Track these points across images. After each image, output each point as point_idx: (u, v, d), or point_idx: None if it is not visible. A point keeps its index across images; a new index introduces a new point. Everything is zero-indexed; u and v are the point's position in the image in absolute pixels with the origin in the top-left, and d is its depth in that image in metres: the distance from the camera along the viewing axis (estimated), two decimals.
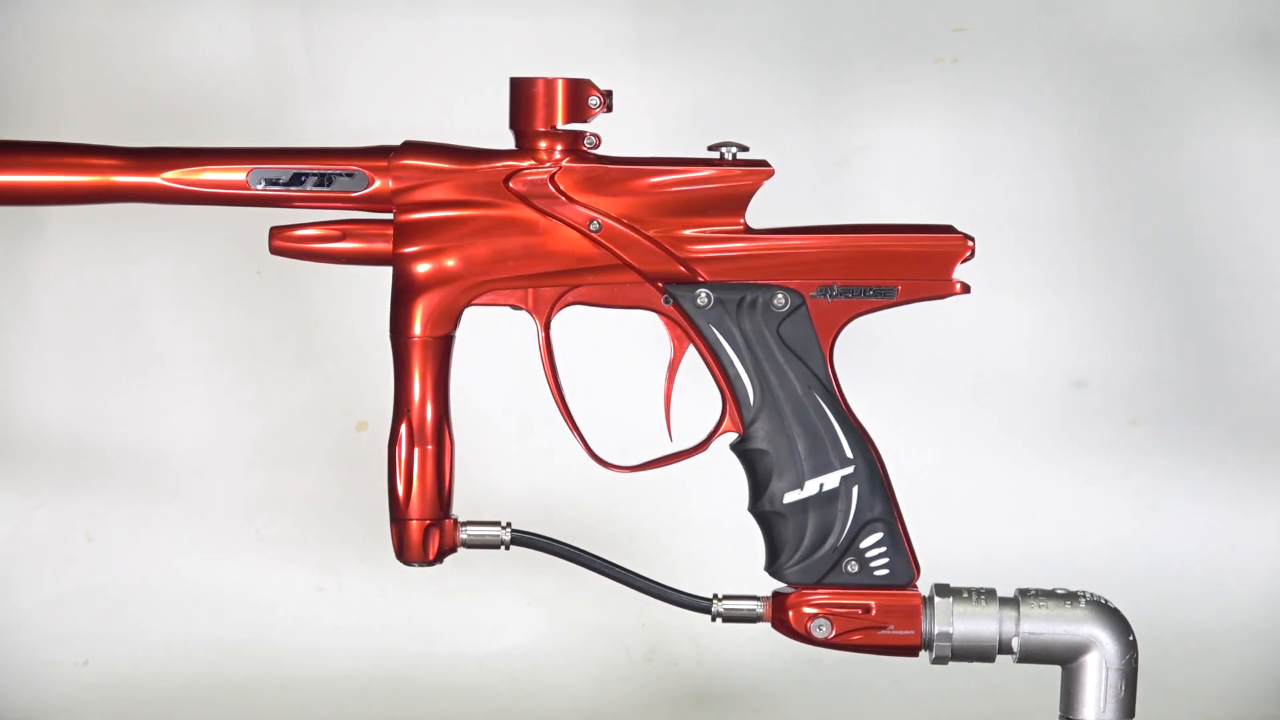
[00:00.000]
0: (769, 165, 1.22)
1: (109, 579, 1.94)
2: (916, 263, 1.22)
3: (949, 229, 1.23)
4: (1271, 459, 2.04)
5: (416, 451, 1.27)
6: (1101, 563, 2.00)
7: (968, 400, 2.05)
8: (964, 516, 2.02)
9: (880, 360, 2.04)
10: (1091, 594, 1.25)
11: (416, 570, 1.97)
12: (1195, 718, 1.78)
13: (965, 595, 1.25)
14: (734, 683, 1.87)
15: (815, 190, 2.03)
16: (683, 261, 1.23)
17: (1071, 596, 1.24)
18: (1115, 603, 1.25)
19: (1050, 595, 1.25)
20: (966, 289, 1.23)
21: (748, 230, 1.23)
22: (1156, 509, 2.03)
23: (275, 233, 1.26)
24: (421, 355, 1.26)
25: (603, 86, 1.24)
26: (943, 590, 1.25)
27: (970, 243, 1.22)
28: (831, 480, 1.24)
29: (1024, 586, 1.25)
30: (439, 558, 1.31)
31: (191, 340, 1.98)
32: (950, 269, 1.22)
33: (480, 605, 1.95)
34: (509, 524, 1.32)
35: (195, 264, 1.98)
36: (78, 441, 1.97)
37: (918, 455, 2.04)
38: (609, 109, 1.24)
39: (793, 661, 1.85)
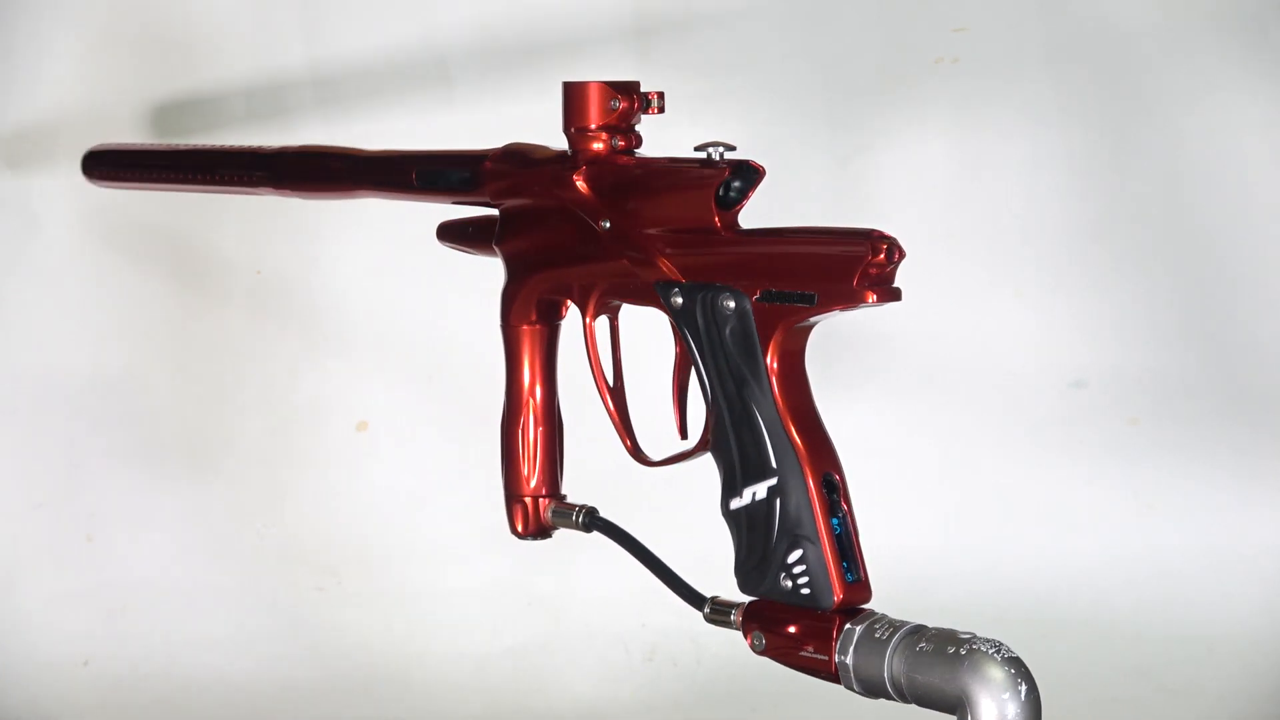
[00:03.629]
0: (726, 165, 1.21)
1: (109, 579, 1.94)
2: (821, 269, 1.16)
3: (862, 233, 1.15)
4: (1271, 459, 2.04)
5: (507, 431, 1.36)
6: (1101, 563, 2.00)
7: (968, 400, 2.05)
8: (963, 516, 2.02)
9: (880, 360, 2.04)
10: (987, 642, 1.12)
11: (417, 570, 1.98)
12: (1195, 718, 1.78)
13: (876, 625, 1.16)
14: (734, 683, 1.87)
15: (815, 190, 2.03)
16: (663, 261, 1.24)
17: (963, 641, 1.12)
18: (1017, 651, 1.12)
19: (944, 636, 1.12)
20: (890, 296, 1.14)
21: (720, 231, 1.22)
22: (1156, 509, 2.03)
23: (439, 226, 1.42)
24: (510, 342, 1.36)
25: (643, 88, 1.27)
26: (859, 618, 1.17)
27: (880, 249, 1.13)
28: (761, 490, 1.20)
29: (940, 626, 1.15)
30: (532, 534, 1.37)
31: (192, 340, 1.98)
32: (851, 276, 1.14)
33: (480, 605, 1.96)
34: (589, 509, 1.34)
35: (195, 264, 1.98)
36: (78, 441, 1.97)
37: (917, 455, 2.04)
38: (660, 110, 1.27)
39: None
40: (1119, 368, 2.05)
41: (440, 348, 2.02)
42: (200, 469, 1.99)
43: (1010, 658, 1.11)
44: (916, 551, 2.00)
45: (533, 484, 1.36)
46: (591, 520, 1.34)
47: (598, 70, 1.97)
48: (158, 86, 1.97)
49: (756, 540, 1.21)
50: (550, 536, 1.37)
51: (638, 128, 1.30)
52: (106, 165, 1.70)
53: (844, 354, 2.04)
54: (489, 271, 2.03)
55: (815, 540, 1.19)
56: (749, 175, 1.21)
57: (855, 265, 1.14)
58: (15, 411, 1.97)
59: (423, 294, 2.01)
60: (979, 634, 1.11)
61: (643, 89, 1.29)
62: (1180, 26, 2.02)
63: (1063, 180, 2.04)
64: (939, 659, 1.11)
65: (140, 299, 1.98)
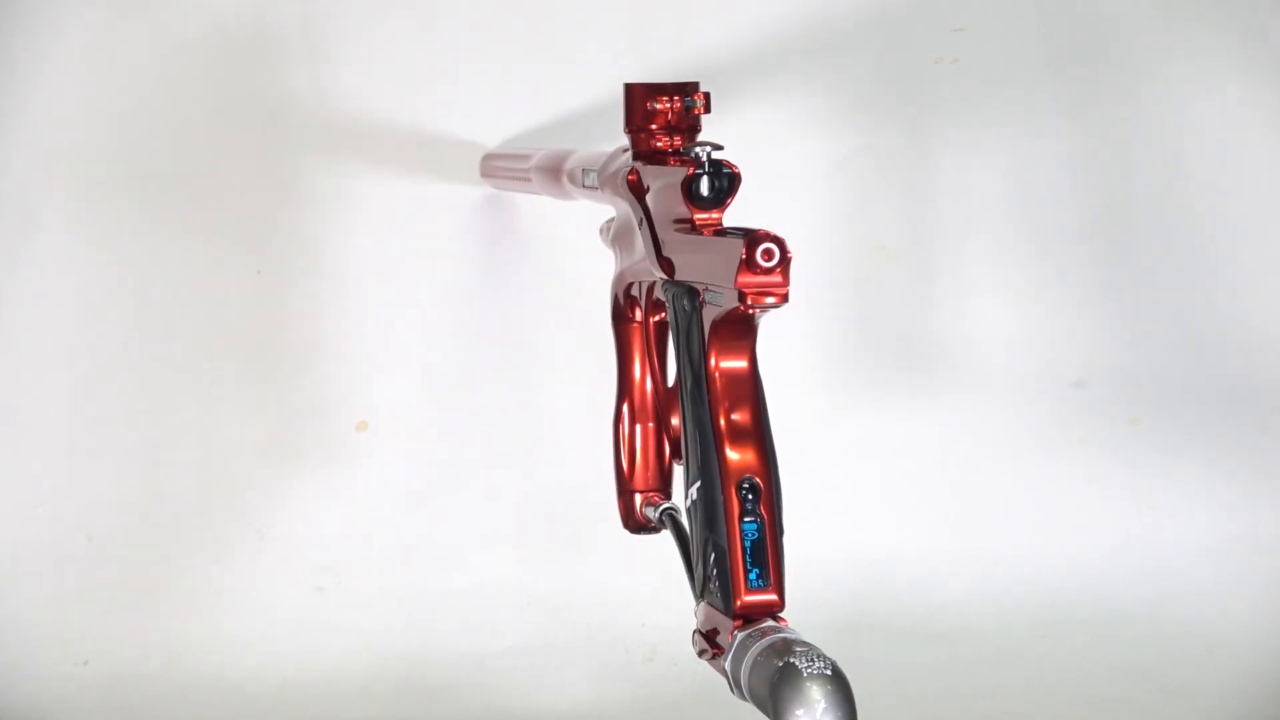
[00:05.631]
0: (694, 163, 1.21)
1: (109, 579, 1.94)
2: (721, 270, 1.15)
3: (745, 234, 1.13)
4: (1272, 459, 2.04)
5: (613, 426, 1.37)
6: (1101, 563, 2.00)
7: (968, 400, 2.05)
8: (963, 516, 2.02)
9: (880, 360, 2.04)
10: (812, 658, 1.09)
11: (417, 570, 1.98)
12: (1195, 718, 1.78)
13: (754, 632, 1.14)
14: None
15: (813, 190, 2.03)
16: (663, 259, 1.24)
17: (789, 653, 1.09)
18: (834, 670, 1.08)
19: (780, 648, 1.10)
20: (774, 298, 1.12)
21: (699, 230, 1.22)
22: (1157, 509, 2.03)
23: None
24: (615, 338, 1.37)
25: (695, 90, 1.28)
26: (749, 624, 1.15)
27: (757, 249, 1.11)
28: (694, 492, 1.20)
29: (801, 639, 1.11)
30: (634, 529, 1.38)
31: (191, 340, 1.98)
32: (731, 278, 1.12)
33: (480, 605, 1.95)
34: (671, 508, 1.35)
35: (195, 264, 1.98)
36: (78, 441, 1.97)
37: (918, 455, 2.04)
38: (706, 110, 1.28)
39: None
40: (1119, 368, 2.05)
41: (440, 348, 2.02)
42: (200, 469, 1.98)
43: (820, 674, 1.08)
44: (916, 552, 2.00)
45: (634, 480, 1.35)
46: (668, 519, 1.33)
47: (595, 70, 1.97)
48: (158, 87, 1.97)
49: (695, 543, 1.20)
50: (658, 532, 1.36)
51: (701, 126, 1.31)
52: (486, 165, 1.89)
53: (843, 354, 2.04)
54: (488, 272, 2.03)
55: (725, 544, 1.17)
56: (720, 174, 1.21)
57: (733, 267, 1.13)
58: (15, 411, 1.97)
59: (423, 293, 2.01)
60: (821, 648, 1.09)
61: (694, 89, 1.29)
62: (1180, 27, 2.02)
63: (1063, 180, 2.04)
64: (765, 669, 1.09)
65: (140, 299, 1.97)
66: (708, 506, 1.18)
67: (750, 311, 1.13)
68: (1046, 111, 2.03)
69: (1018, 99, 2.03)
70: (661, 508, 1.34)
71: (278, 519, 1.98)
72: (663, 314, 1.33)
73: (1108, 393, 2.04)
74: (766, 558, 1.16)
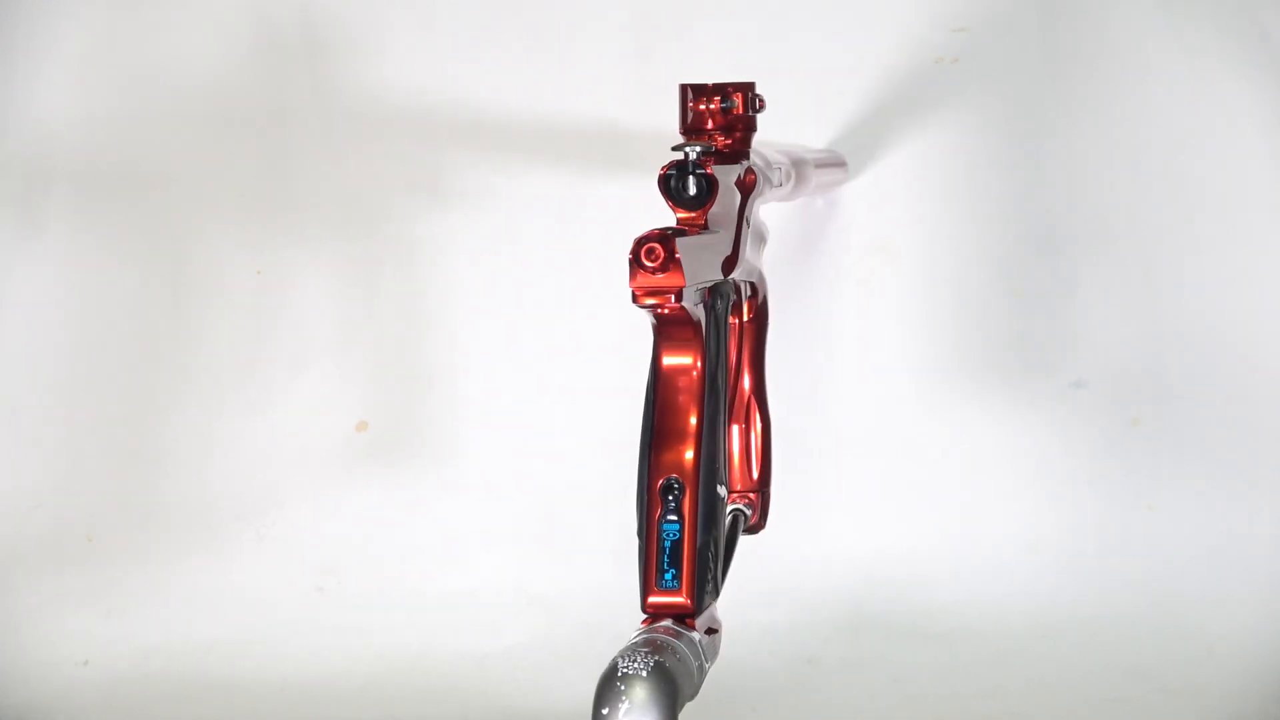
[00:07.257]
0: (673, 162, 1.21)
1: (109, 579, 1.94)
2: None
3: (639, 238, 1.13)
4: (1272, 459, 2.03)
5: None
6: (1101, 563, 2.00)
7: (967, 400, 2.04)
8: (964, 516, 2.02)
9: (879, 360, 2.04)
10: (637, 661, 1.09)
11: (417, 570, 1.98)
12: (1195, 718, 1.78)
13: (646, 630, 1.15)
14: (734, 683, 1.87)
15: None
16: None
17: (625, 653, 1.10)
18: (646, 676, 1.08)
19: (630, 647, 1.10)
20: (664, 299, 1.12)
21: (686, 229, 1.22)
22: (1156, 509, 2.02)
23: None
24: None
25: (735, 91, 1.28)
26: (652, 624, 1.16)
27: (641, 250, 1.11)
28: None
29: (667, 639, 1.12)
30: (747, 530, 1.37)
31: (192, 340, 1.98)
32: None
33: (480, 605, 1.95)
34: (739, 510, 1.35)
35: (195, 264, 1.98)
36: (78, 441, 1.97)
37: (917, 455, 2.04)
38: (744, 109, 1.28)
39: (793, 661, 1.85)
40: (1119, 368, 2.05)
41: (440, 348, 2.02)
42: (200, 469, 1.99)
43: (635, 675, 1.09)
44: (916, 552, 2.00)
45: (736, 480, 1.36)
46: (733, 520, 1.33)
47: (593, 70, 1.97)
48: (158, 86, 1.97)
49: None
50: (755, 534, 1.36)
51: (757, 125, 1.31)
52: None
53: (842, 354, 2.04)
54: (486, 272, 2.03)
55: (643, 544, 1.17)
56: (694, 174, 1.21)
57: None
58: (15, 412, 1.97)
59: (422, 293, 2.01)
60: (681, 652, 1.09)
61: (737, 91, 1.29)
62: (1179, 27, 2.02)
63: (1063, 180, 2.04)
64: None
65: (140, 299, 1.98)
66: (637, 504, 1.18)
67: (659, 312, 1.13)
68: (1046, 112, 2.03)
69: (1018, 99, 2.03)
70: (730, 508, 1.33)
71: (278, 519, 1.98)
72: (733, 316, 1.33)
73: (1108, 393, 2.04)
74: (682, 558, 1.16)
